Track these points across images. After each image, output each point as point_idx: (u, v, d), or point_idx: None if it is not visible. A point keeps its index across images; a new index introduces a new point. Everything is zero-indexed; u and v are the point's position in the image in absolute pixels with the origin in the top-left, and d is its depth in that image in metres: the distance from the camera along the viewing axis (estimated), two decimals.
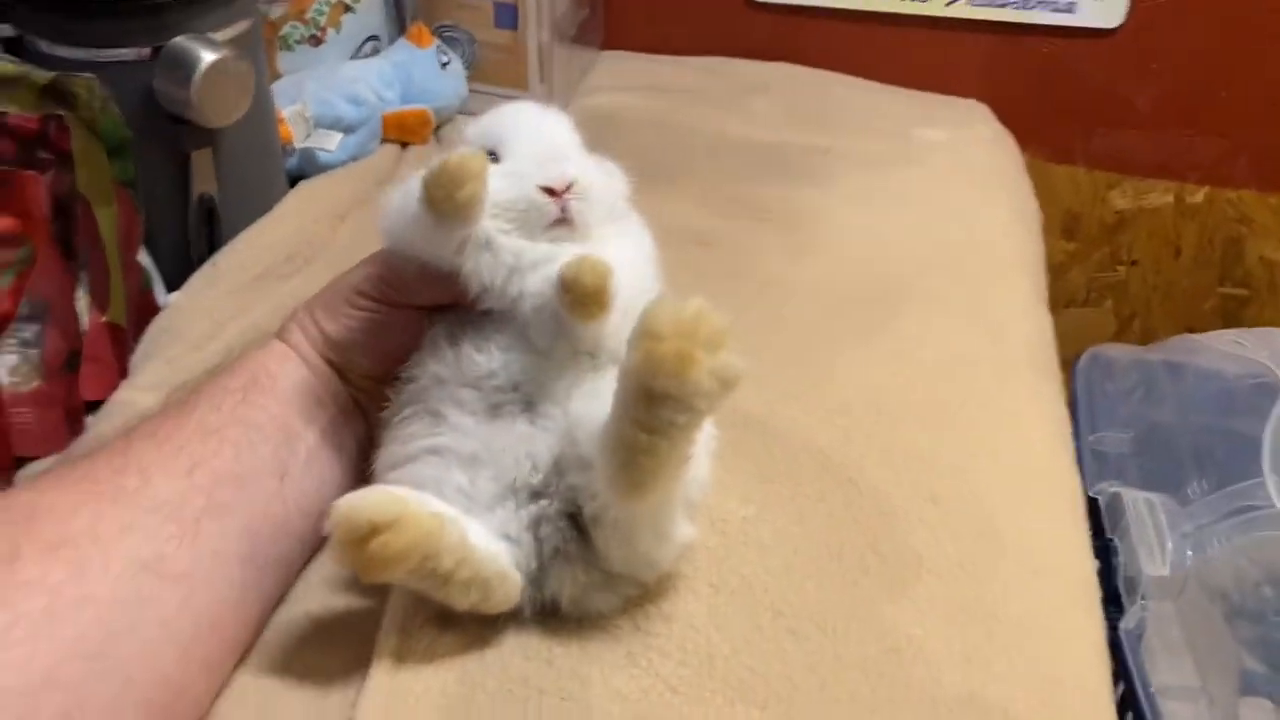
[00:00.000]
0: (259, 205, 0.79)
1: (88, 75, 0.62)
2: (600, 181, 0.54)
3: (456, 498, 0.51)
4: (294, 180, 0.87)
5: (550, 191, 0.51)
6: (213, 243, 0.75)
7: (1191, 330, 1.20)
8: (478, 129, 0.56)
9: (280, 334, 0.58)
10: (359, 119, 0.90)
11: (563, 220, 0.52)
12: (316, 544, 0.57)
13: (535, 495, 0.52)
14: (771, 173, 0.94)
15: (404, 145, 0.96)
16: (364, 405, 0.59)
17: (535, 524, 0.52)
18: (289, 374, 0.56)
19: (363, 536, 0.45)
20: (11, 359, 0.61)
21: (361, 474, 0.59)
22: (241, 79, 0.68)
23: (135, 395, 0.66)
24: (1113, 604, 0.71)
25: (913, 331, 0.77)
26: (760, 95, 1.09)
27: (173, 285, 0.73)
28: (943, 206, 0.91)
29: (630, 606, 0.55)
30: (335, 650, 0.53)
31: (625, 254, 0.54)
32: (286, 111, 0.85)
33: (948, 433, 0.68)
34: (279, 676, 0.52)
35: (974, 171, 0.98)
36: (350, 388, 0.58)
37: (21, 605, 0.42)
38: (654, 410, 0.44)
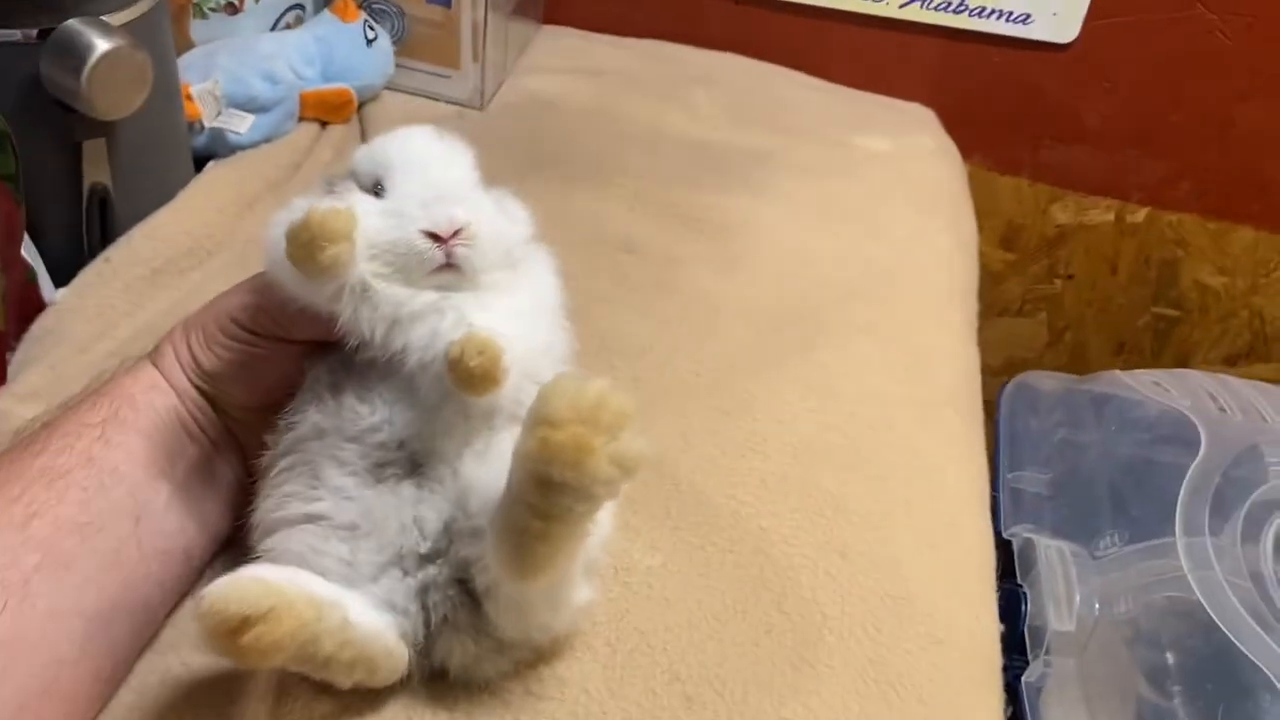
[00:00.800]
0: (159, 194, 0.74)
1: None
2: (494, 226, 0.50)
3: (337, 568, 0.49)
4: (202, 161, 0.82)
5: (435, 236, 0.48)
6: (106, 235, 0.70)
7: (1123, 346, 1.20)
8: (366, 155, 0.52)
9: (153, 355, 0.55)
10: (274, 98, 0.85)
11: (448, 266, 0.48)
12: (187, 585, 0.54)
13: (423, 562, 0.49)
14: (708, 177, 0.91)
15: (323, 124, 0.91)
16: (241, 437, 0.56)
17: (423, 592, 0.49)
18: (155, 405, 0.53)
19: (234, 629, 0.42)
20: None
21: (237, 509, 0.56)
22: (138, 69, 0.64)
23: (12, 405, 0.61)
24: (1017, 652, 0.71)
25: (834, 362, 0.75)
26: (703, 87, 1.05)
27: (63, 281, 0.69)
28: (878, 224, 0.89)
29: (522, 667, 0.53)
30: (203, 712, 0.50)
31: (521, 305, 0.51)
32: (195, 88, 0.80)
33: (862, 479, 0.67)
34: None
35: (914, 188, 0.95)
36: (225, 418, 0.55)
37: None
38: (550, 497, 0.42)
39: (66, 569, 0.47)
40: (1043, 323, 1.22)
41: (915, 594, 0.61)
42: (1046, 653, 0.68)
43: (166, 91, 0.70)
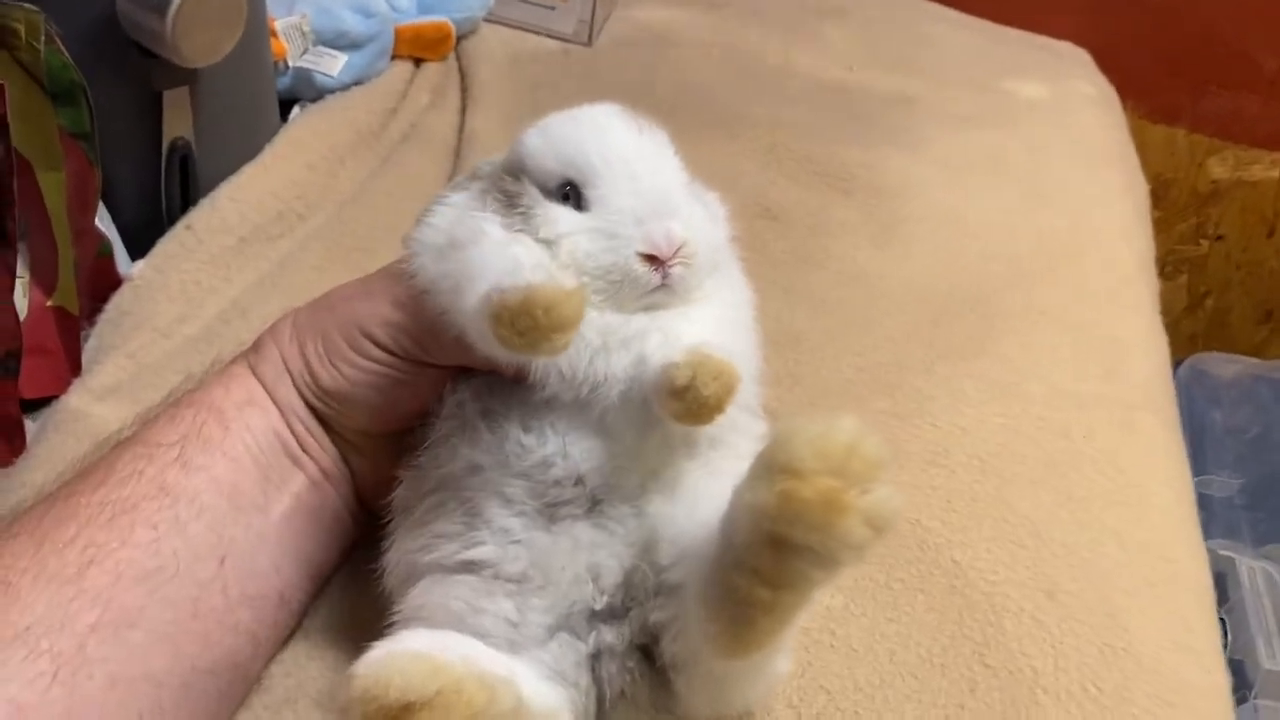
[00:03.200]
0: (244, 149, 0.65)
1: (28, 5, 0.47)
2: (707, 237, 0.42)
3: (500, 630, 0.40)
4: (285, 105, 0.73)
5: (652, 258, 0.39)
6: (188, 198, 0.61)
7: (1270, 315, 1.10)
8: (549, 151, 0.42)
9: (252, 360, 0.46)
10: (367, 33, 0.75)
11: (662, 286, 0.40)
12: (285, 632, 0.46)
13: (595, 622, 0.41)
14: (850, 127, 0.80)
15: (418, 62, 0.81)
16: (354, 464, 0.47)
17: (595, 660, 0.41)
18: (251, 423, 0.44)
19: (393, 715, 0.34)
20: None
21: (343, 551, 0.48)
22: (230, 7, 0.54)
23: (89, 404, 0.53)
24: None
25: (1016, 356, 0.66)
26: (833, 20, 0.94)
27: (139, 252, 0.60)
28: (1046, 187, 0.79)
29: None
30: None
31: (725, 315, 0.43)
32: (281, 23, 0.70)
33: (1062, 501, 0.58)
34: None
35: (1079, 142, 0.85)
36: (339, 442, 0.46)
37: None
38: (784, 562, 0.34)
39: (132, 626, 0.39)
40: (1182, 286, 1.11)
41: (1136, 645, 0.52)
42: (1255, 696, 0.59)
43: (255, 31, 0.60)
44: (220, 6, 0.53)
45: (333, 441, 0.46)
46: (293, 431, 0.45)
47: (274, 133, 0.68)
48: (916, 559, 0.54)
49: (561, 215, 0.41)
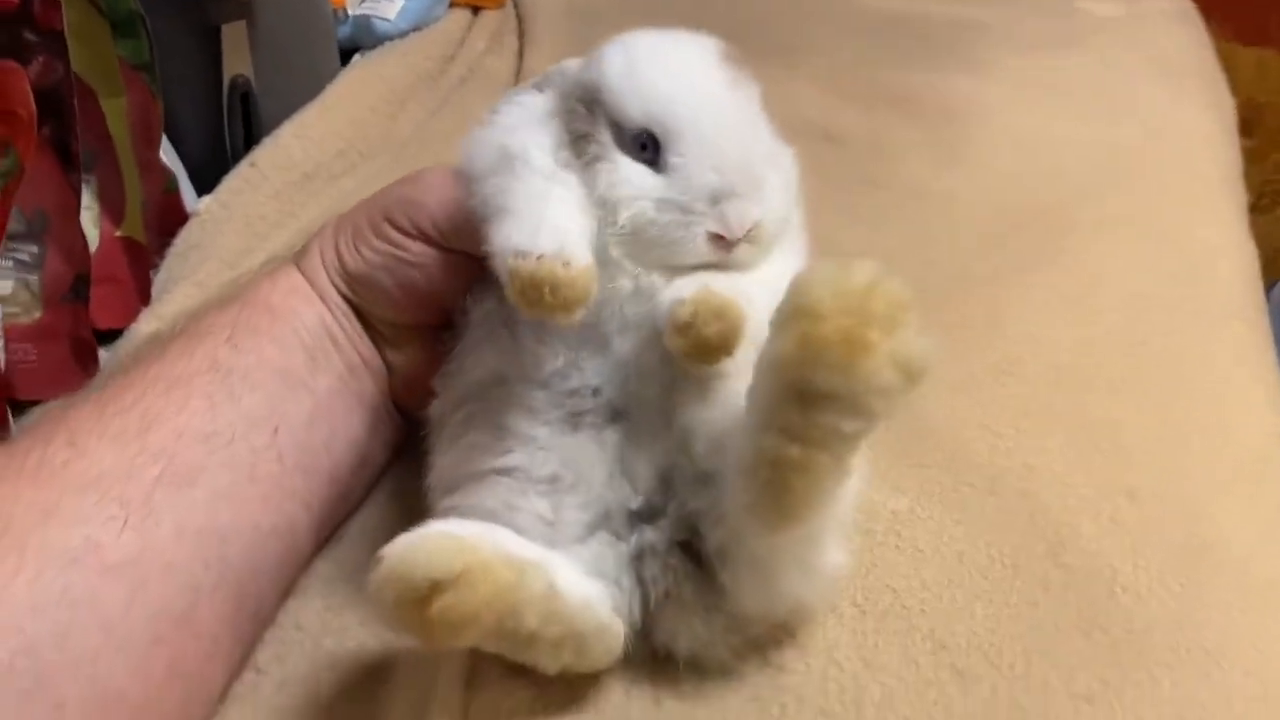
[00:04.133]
0: (305, 90, 0.66)
1: None
2: (779, 210, 0.41)
3: (536, 527, 0.40)
4: (345, 54, 0.74)
5: (719, 237, 0.38)
6: (250, 136, 0.63)
7: None
8: (637, 96, 0.39)
9: (299, 258, 0.48)
10: None
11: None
12: (335, 516, 0.48)
13: (635, 523, 0.41)
14: (914, 52, 0.79)
15: (475, 10, 0.82)
16: (390, 359, 0.48)
17: (638, 561, 0.41)
18: (297, 311, 0.46)
19: (422, 597, 0.34)
20: (6, 286, 0.50)
21: (387, 445, 0.49)
22: None
23: (157, 327, 0.55)
24: None
25: (1091, 265, 0.63)
26: None
27: (204, 188, 0.61)
28: (1120, 104, 0.76)
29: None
30: (381, 695, 0.43)
31: (772, 272, 0.41)
32: None
33: (1142, 406, 0.56)
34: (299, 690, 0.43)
35: (1155, 57, 0.81)
36: (374, 335, 0.48)
37: None
38: (812, 415, 0.33)
39: (193, 483, 0.40)
40: (1277, 220, 1.06)
41: (1223, 542, 0.50)
42: None
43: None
44: None
45: (367, 333, 0.47)
46: (334, 319, 0.47)
47: (334, 76, 0.69)
48: (986, 464, 0.52)
49: (634, 175, 0.39)
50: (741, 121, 0.40)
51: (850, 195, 0.67)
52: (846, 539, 0.43)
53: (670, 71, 0.40)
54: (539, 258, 0.35)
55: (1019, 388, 0.55)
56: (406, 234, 0.45)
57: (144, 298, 0.56)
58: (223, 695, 0.42)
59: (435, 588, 0.34)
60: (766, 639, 0.44)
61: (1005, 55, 0.78)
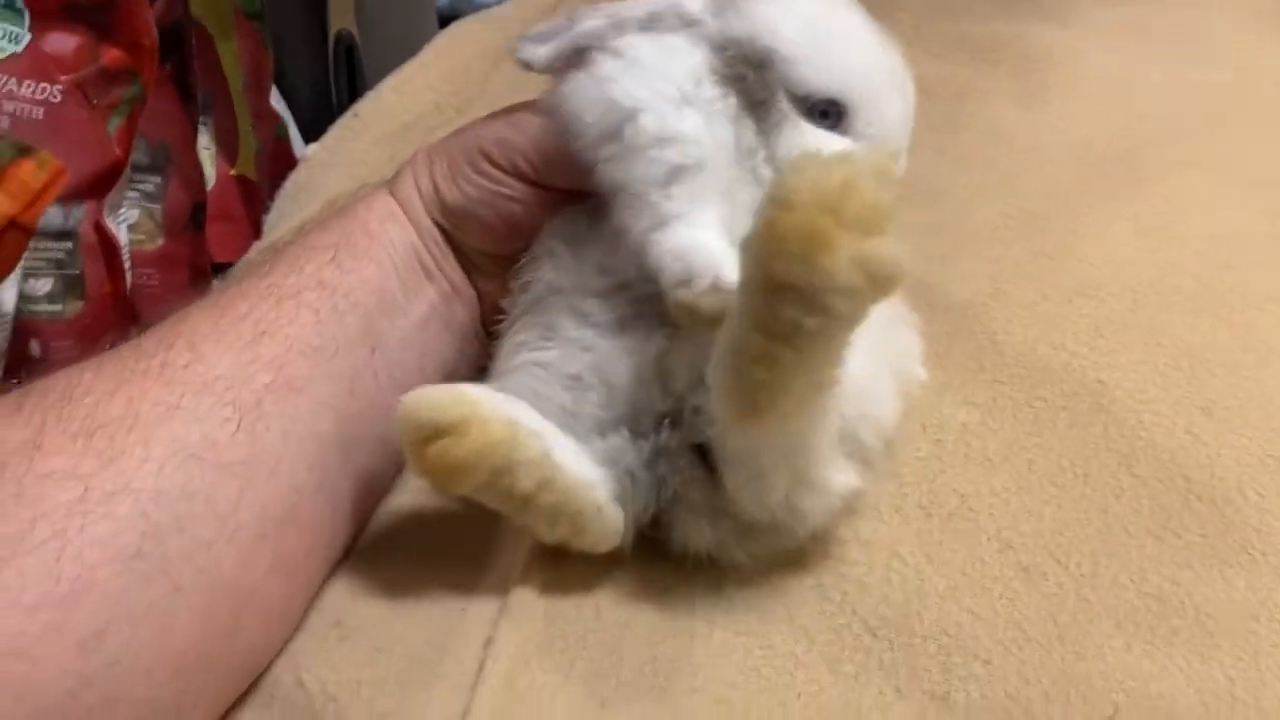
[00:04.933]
0: (405, 48, 0.70)
1: None
2: None
3: (558, 416, 0.42)
4: (445, 23, 0.78)
5: None
6: (354, 88, 0.67)
7: None
8: (823, 64, 0.41)
9: (391, 184, 0.50)
10: None
11: None
12: None
13: (659, 424, 0.42)
14: (998, 5, 0.79)
15: None
16: (480, 286, 0.51)
17: (654, 459, 0.42)
18: (391, 235, 0.48)
19: (425, 437, 0.38)
20: (132, 214, 0.55)
21: (472, 364, 0.51)
22: None
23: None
24: None
25: (1172, 199, 0.63)
26: None
27: (310, 135, 0.66)
28: (1209, 47, 0.75)
29: (821, 530, 0.45)
30: (457, 552, 0.46)
31: None
32: None
33: (1221, 327, 0.55)
34: (389, 579, 0.46)
35: (1247, 4, 0.80)
36: (465, 262, 0.50)
37: (45, 500, 0.35)
38: (774, 305, 0.33)
39: (299, 392, 0.43)
40: None
41: None
42: None
43: None
44: None
45: (459, 261, 0.50)
46: (425, 246, 0.49)
47: (431, 35, 0.73)
48: (1060, 379, 0.52)
49: (827, 142, 0.40)
50: (905, 87, 0.43)
51: (935, 136, 0.68)
52: (866, 463, 0.43)
53: (855, 42, 0.42)
54: (701, 290, 0.37)
55: (1095, 309, 0.55)
56: (504, 171, 0.47)
57: (256, 233, 0.61)
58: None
59: (435, 432, 0.38)
60: (828, 534, 0.45)
61: (1090, 5, 0.78)
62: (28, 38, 0.49)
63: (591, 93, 0.41)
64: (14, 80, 0.49)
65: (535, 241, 0.46)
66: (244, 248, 0.60)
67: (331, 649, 0.43)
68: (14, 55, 0.49)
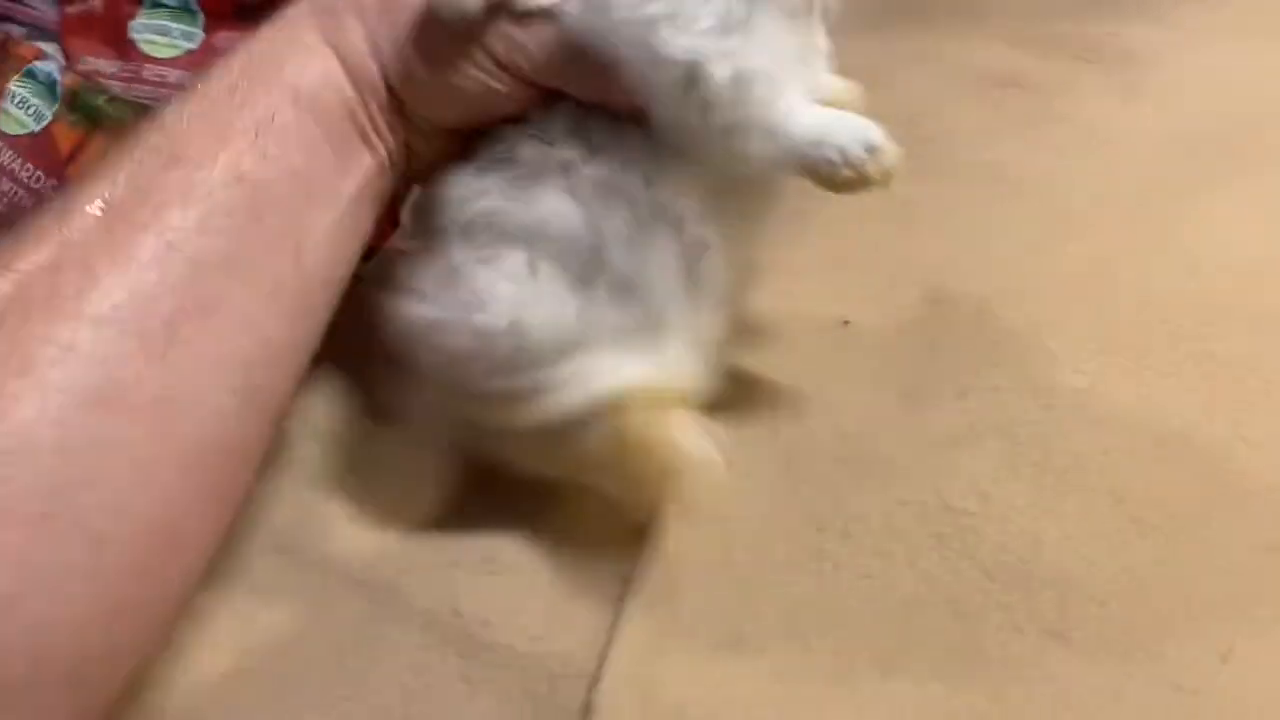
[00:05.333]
0: None
1: None
2: None
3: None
4: None
5: None
6: None
7: None
8: None
9: (327, 29, 0.43)
10: None
11: None
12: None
13: None
14: (1097, 8, 0.81)
15: None
16: (416, 144, 0.46)
17: None
18: (328, 106, 0.42)
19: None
20: None
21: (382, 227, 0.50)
22: None
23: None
24: None
25: (1273, 183, 0.64)
26: None
27: None
28: None
29: (939, 483, 0.48)
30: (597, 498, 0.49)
31: None
32: None
33: None
34: (536, 523, 0.48)
35: None
36: (410, 128, 0.45)
37: None
38: None
39: (213, 313, 0.38)
40: None
41: None
42: None
43: None
44: None
45: (403, 126, 0.45)
46: (367, 111, 0.43)
47: None
48: (1167, 349, 0.54)
49: None
50: None
51: (1029, 129, 0.70)
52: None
53: None
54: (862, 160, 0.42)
55: (1201, 285, 0.57)
56: (501, 67, 0.42)
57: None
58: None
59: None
60: (946, 487, 0.48)
61: (1188, 5, 0.80)
62: (201, 36, 0.55)
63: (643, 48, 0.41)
64: (191, 74, 0.54)
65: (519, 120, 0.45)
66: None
67: (484, 582, 0.46)
68: (190, 52, 0.54)
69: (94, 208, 0.37)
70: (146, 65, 0.54)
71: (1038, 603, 0.43)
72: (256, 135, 0.40)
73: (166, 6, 0.55)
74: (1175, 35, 0.77)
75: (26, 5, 0.67)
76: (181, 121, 0.40)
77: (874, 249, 0.62)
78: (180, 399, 0.37)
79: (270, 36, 0.43)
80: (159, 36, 0.55)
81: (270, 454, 0.45)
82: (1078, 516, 0.47)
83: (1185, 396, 0.52)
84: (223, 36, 0.54)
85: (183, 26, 0.55)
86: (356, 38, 0.42)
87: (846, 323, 0.58)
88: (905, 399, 0.53)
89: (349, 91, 0.43)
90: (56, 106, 0.47)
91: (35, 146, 0.47)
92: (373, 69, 0.43)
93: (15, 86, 0.47)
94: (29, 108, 0.47)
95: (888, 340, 0.56)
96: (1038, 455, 0.49)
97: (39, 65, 0.47)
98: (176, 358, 0.36)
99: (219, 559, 0.43)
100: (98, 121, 0.47)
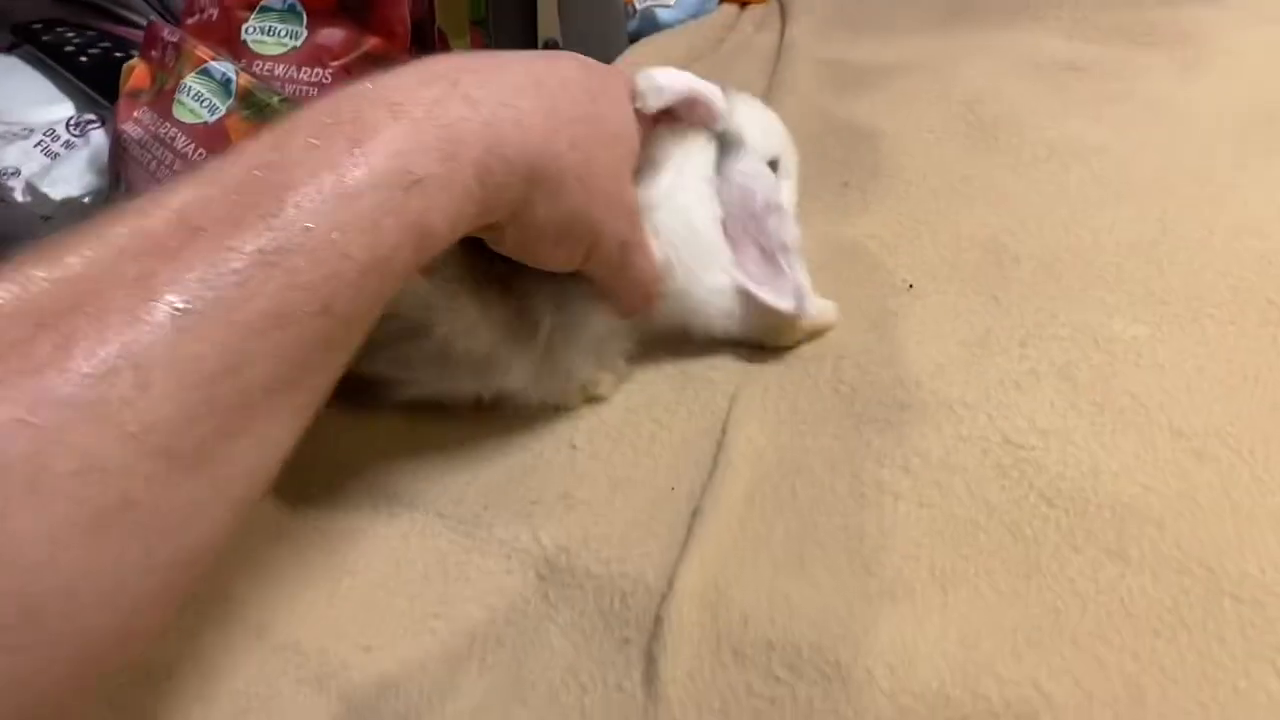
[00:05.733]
0: (600, 57, 0.78)
1: None
2: None
3: None
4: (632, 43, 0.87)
5: None
6: None
7: None
8: (769, 132, 0.59)
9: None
10: None
11: None
12: None
13: None
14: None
15: (743, 6, 0.93)
16: None
17: None
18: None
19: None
20: None
21: None
22: None
23: None
24: None
25: None
26: None
27: None
28: None
29: (997, 417, 0.50)
30: (667, 441, 0.51)
31: None
32: None
33: None
34: (609, 464, 0.51)
35: None
36: None
37: None
38: None
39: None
40: None
41: None
42: None
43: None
44: None
45: None
46: None
47: (622, 50, 0.82)
48: (1227, 302, 0.55)
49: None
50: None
51: (1093, 107, 0.72)
52: None
53: (776, 120, 0.62)
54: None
55: (1262, 243, 0.58)
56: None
57: None
58: None
59: None
60: (1004, 421, 0.49)
61: None
62: (304, 34, 0.60)
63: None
64: (295, 68, 0.59)
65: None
66: None
67: (561, 515, 0.49)
68: (294, 49, 0.60)
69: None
70: (255, 61, 0.59)
71: (1095, 525, 0.45)
72: None
73: (274, 10, 0.60)
74: (1230, 15, 0.78)
75: (136, 28, 0.74)
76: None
77: (936, 218, 0.64)
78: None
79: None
80: (267, 37, 0.60)
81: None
82: (1137, 449, 0.48)
83: (1246, 342, 0.52)
84: (324, 33, 0.59)
85: (288, 26, 0.60)
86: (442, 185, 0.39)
87: (910, 286, 0.60)
88: (966, 348, 0.54)
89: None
90: (230, 101, 0.52)
91: (210, 135, 0.51)
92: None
93: (191, 81, 0.52)
94: (203, 100, 0.52)
95: (950, 298, 0.58)
96: (1098, 395, 0.51)
97: (214, 65, 0.52)
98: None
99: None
100: (267, 117, 0.52)
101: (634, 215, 0.49)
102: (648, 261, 0.51)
